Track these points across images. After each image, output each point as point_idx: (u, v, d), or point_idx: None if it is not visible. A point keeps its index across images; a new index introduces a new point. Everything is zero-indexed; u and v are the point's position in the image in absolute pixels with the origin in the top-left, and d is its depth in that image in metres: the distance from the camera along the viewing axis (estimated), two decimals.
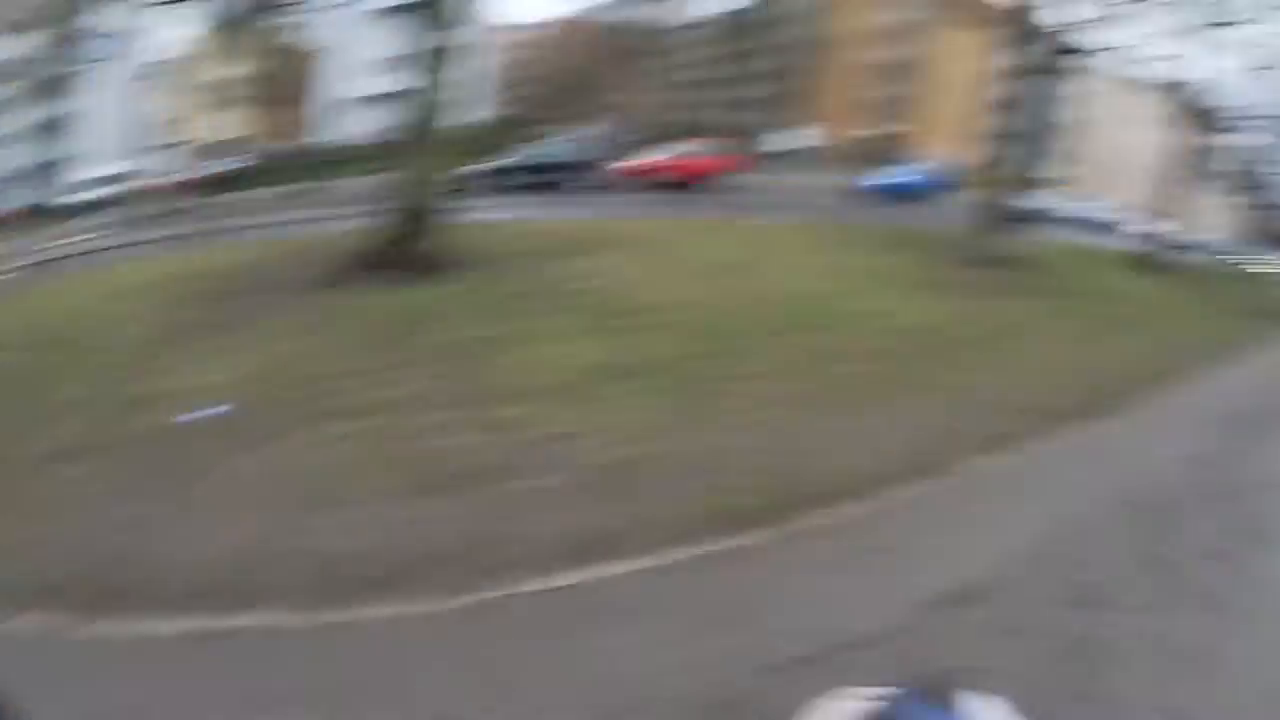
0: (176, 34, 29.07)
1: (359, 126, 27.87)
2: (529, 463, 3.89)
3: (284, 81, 30.64)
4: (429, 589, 2.92)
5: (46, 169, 29.77)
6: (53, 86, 29.68)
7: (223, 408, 4.51)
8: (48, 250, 15.38)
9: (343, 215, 10.60)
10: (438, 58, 7.74)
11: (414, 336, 5.66)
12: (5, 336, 6.89)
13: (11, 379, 5.54)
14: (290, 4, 26.71)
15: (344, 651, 2.63)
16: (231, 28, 23.64)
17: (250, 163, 27.80)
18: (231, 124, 28.92)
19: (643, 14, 39.21)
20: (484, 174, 16.01)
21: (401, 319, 6.04)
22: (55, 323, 7.27)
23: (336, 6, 26.74)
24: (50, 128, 30.23)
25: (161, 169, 23.80)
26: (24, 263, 14.15)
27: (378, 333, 5.77)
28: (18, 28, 26.46)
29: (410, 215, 7.63)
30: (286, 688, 2.44)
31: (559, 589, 2.93)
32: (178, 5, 24.22)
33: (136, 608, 2.86)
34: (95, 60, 27.60)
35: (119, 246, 13.90)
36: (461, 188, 9.90)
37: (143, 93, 24.78)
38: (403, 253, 7.35)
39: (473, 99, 14.01)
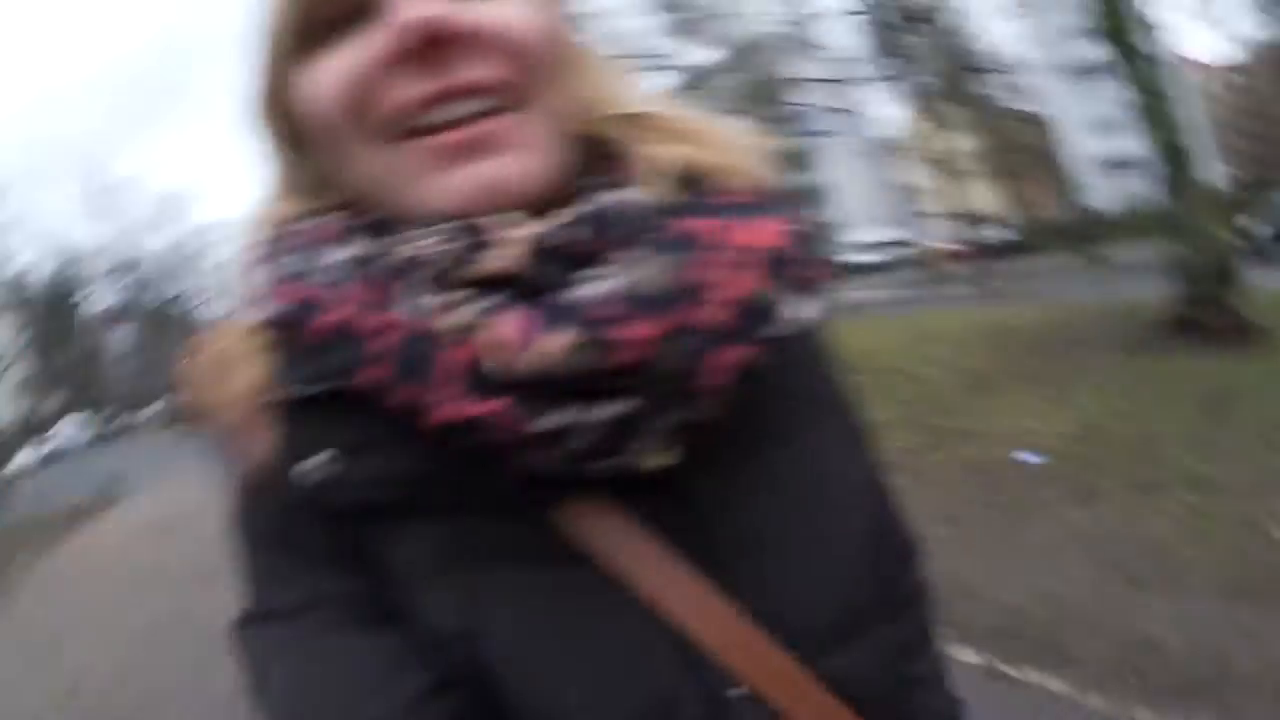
0: (898, 110, 30.59)
1: (1107, 190, 27.14)
2: None
3: (1019, 150, 30.77)
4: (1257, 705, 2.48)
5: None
6: (794, 159, 30.77)
7: (1039, 457, 4.52)
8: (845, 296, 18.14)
9: (1119, 280, 10.84)
10: (1159, 108, 7.37)
11: (1231, 409, 5.14)
12: None
13: None
14: (994, 71, 26.70)
15: None
16: (944, 100, 23.80)
17: (1010, 232, 28.54)
18: (981, 194, 29.60)
19: None
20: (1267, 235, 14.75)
21: (1215, 389, 5.53)
22: (862, 353, 7.81)
23: (1044, 70, 26.08)
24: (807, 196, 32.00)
25: (923, 237, 24.62)
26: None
27: (1191, 401, 5.35)
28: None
29: (1204, 279, 7.10)
30: None
31: None
32: (890, 82, 24.70)
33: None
34: (827, 134, 29.12)
35: (908, 301, 15.09)
36: (1247, 249, 9.50)
37: (885, 164, 25.53)
38: (1205, 319, 6.89)
39: (1200, 151, 13.39)
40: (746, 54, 33.49)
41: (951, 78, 24.78)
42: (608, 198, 0.39)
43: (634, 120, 0.43)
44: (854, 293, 21.05)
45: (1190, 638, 2.83)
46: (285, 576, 0.41)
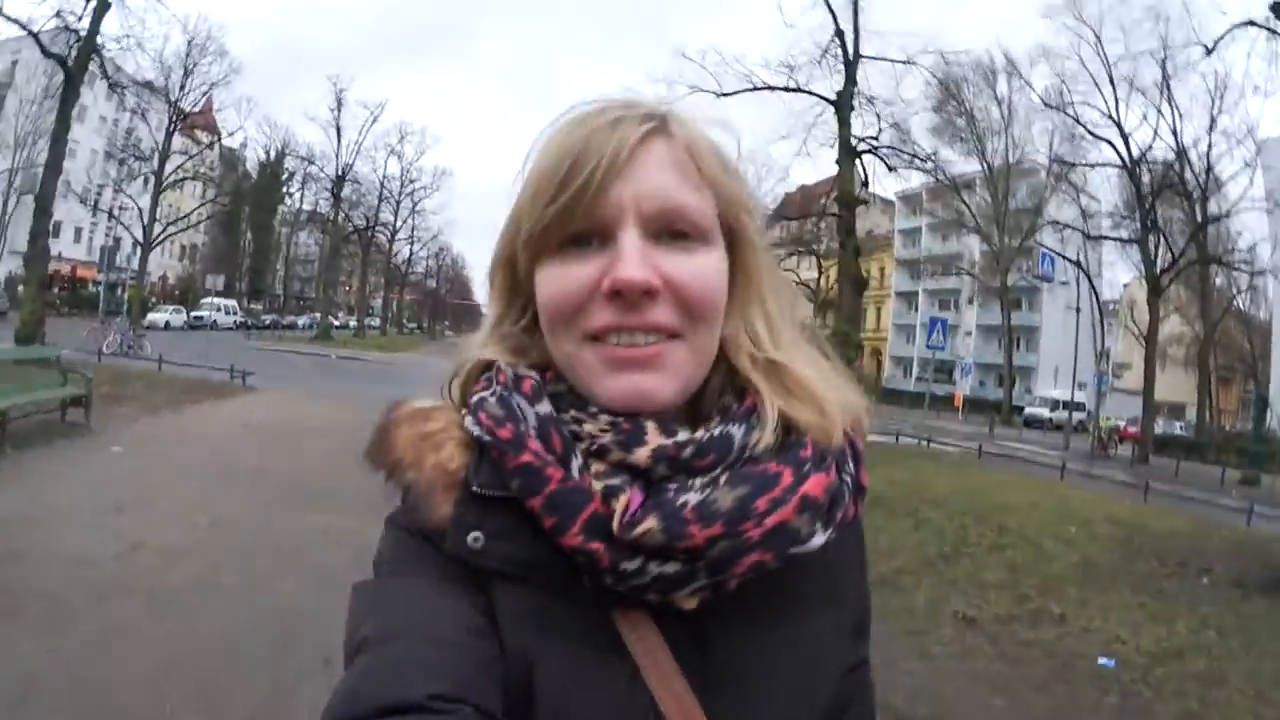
0: (1126, 276, 30.81)
1: None
2: None
3: (1234, 352, 30.28)
4: None
5: (1011, 373, 34.46)
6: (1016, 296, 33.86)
7: (1110, 661, 4.61)
8: (996, 442, 19.45)
9: (1275, 516, 10.94)
10: None
11: None
12: (941, 495, 9.34)
13: (935, 532, 7.38)
14: (1236, 267, 26.08)
15: None
16: (1173, 279, 23.00)
17: (1188, 432, 27.62)
18: (1174, 384, 29.29)
19: None
20: None
21: None
22: (1004, 508, 8.94)
23: None
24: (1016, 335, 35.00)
25: (1103, 408, 24.27)
26: (972, 444, 18.05)
27: (1274, 657, 5.11)
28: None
29: None
30: None
31: None
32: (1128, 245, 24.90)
33: None
34: (1047, 281, 30.24)
35: (1056, 467, 15.18)
36: None
37: (1095, 326, 24.73)
38: None
39: None
40: (1008, 177, 32.46)
41: (1190, 260, 22.98)
42: (721, 429, 0.54)
43: (768, 368, 0.57)
44: (1020, 444, 20.39)
45: None
46: (414, 576, 0.55)
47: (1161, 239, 22.93)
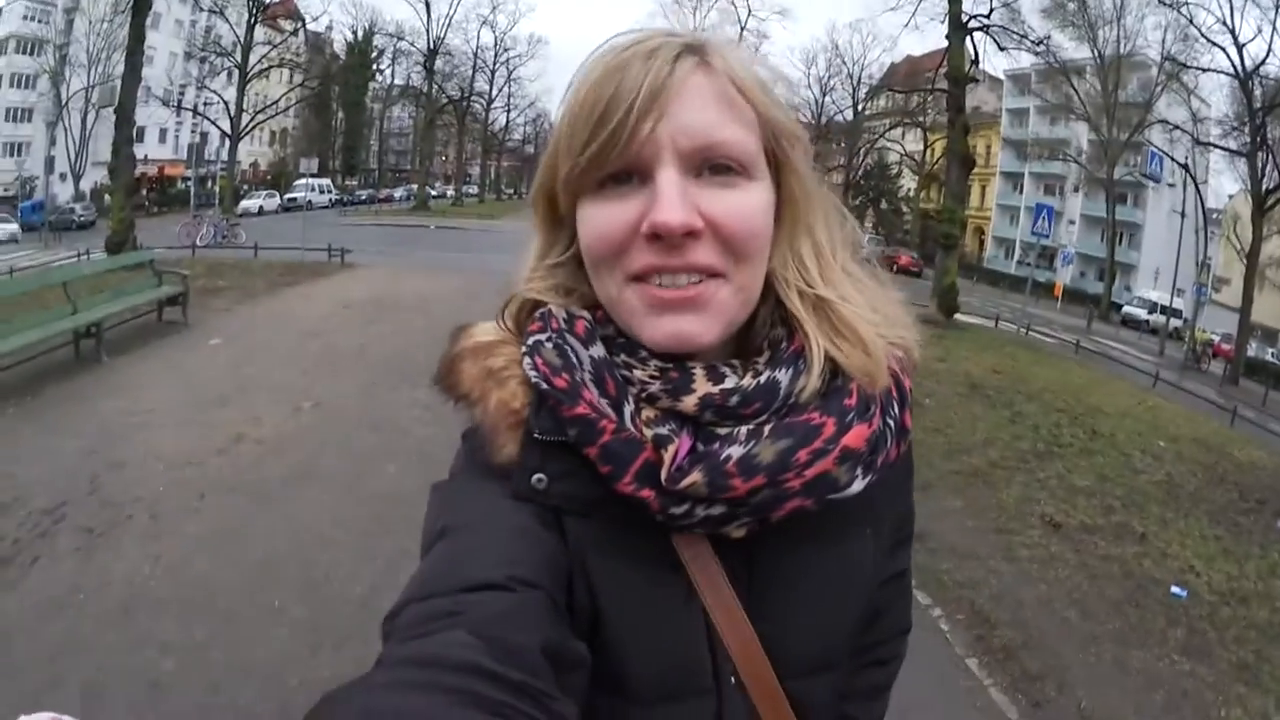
0: (1231, 188, 29.60)
1: None
2: None
3: None
4: None
5: (1112, 268, 33.92)
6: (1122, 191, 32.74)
7: (1182, 591, 4.63)
8: (1093, 338, 19.63)
9: None
10: None
11: None
12: (1038, 389, 9.61)
13: (1030, 428, 7.61)
14: None
15: None
16: (1271, 197, 21.60)
17: (1277, 359, 26.63)
18: (1273, 307, 28.16)
19: None
20: None
21: None
22: (1097, 410, 9.16)
23: None
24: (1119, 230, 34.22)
25: (1199, 319, 23.50)
26: (1070, 337, 18.39)
27: None
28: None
29: None
30: None
31: None
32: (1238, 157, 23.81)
33: None
34: (1154, 180, 30.12)
35: (1150, 374, 15.34)
36: None
37: (1198, 233, 23.53)
38: None
39: None
40: (1119, 69, 29.92)
41: None
42: (768, 375, 0.55)
43: (816, 304, 0.57)
44: (1115, 344, 20.26)
45: None
46: (491, 482, 0.57)
47: (1271, 157, 21.25)
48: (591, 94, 0.51)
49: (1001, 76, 41.09)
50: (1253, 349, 24.68)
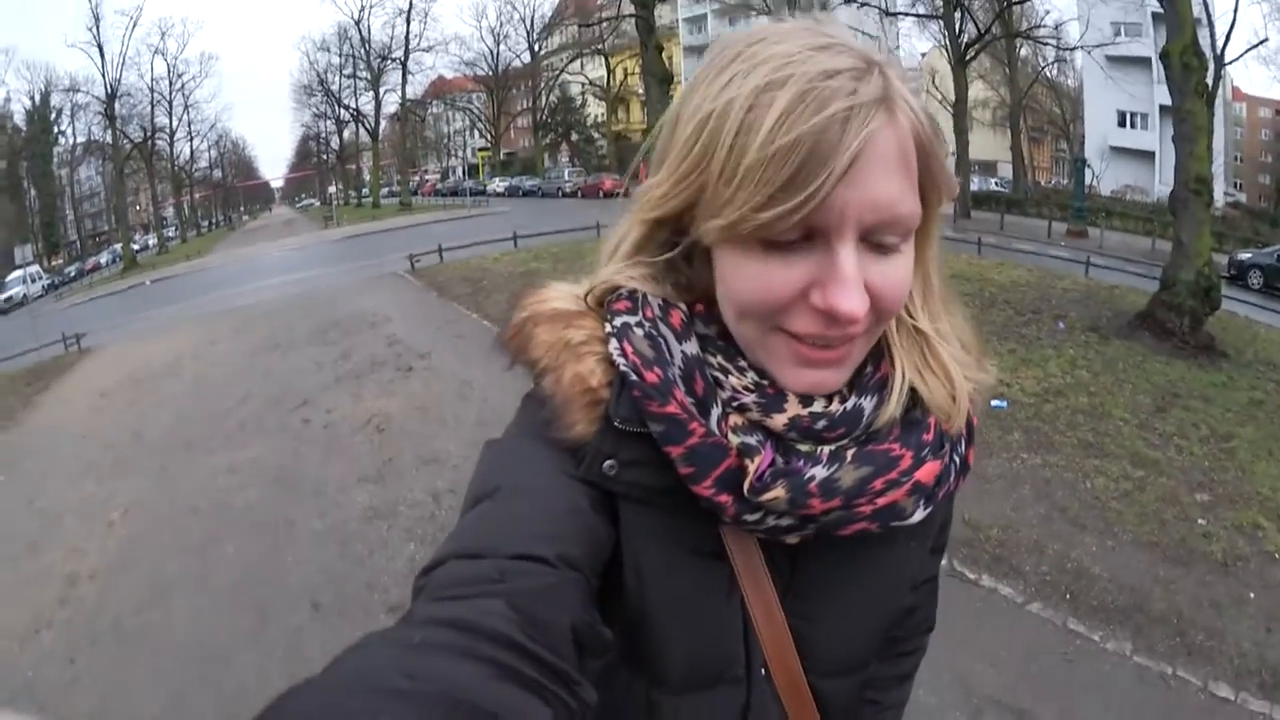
0: (924, 47, 31.00)
1: (1113, 176, 26.69)
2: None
3: (1043, 115, 30.83)
4: (1154, 635, 3.12)
5: None
6: None
7: (1002, 402, 5.26)
8: None
9: (1107, 266, 11.68)
10: (1188, 121, 7.55)
11: (1176, 406, 5.78)
12: None
13: None
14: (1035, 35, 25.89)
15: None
16: (970, 50, 22.59)
17: (1004, 187, 28.34)
18: (984, 145, 29.79)
19: None
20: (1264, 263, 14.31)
21: (1167, 385, 6.26)
22: None
23: (1092, 47, 25.18)
24: None
25: None
26: None
27: (1145, 390, 6.09)
28: None
29: (1188, 293, 7.52)
30: None
31: None
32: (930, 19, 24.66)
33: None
34: None
35: None
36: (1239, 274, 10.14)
37: None
38: (1177, 326, 7.44)
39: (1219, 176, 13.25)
40: None
41: (994, 35, 23.75)
42: (853, 402, 0.55)
43: (912, 335, 0.58)
44: None
45: (1115, 574, 3.52)
46: (550, 451, 0.57)
47: (965, 14, 23.05)
48: (787, 140, 0.45)
49: None
50: (975, 184, 28.23)
